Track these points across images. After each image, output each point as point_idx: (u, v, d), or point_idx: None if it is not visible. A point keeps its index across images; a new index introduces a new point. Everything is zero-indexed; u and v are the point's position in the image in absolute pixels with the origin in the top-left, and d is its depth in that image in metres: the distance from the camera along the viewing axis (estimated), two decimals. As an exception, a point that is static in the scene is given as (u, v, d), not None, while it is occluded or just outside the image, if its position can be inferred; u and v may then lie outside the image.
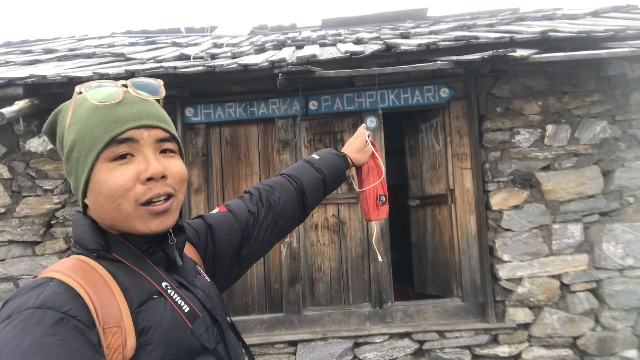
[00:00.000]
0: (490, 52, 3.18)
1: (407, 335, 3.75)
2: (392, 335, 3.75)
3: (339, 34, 5.30)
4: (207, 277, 1.01)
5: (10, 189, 3.83)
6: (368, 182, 1.52)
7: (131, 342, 0.74)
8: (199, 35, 6.56)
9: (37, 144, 3.87)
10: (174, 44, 5.58)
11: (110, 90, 0.84)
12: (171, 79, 3.50)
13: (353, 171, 1.56)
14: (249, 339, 3.67)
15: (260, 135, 4.05)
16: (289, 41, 4.91)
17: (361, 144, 1.51)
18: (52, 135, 0.91)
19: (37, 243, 3.77)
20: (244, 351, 1.01)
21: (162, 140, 0.85)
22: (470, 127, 3.89)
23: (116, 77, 3.39)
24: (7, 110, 3.04)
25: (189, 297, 0.87)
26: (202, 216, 1.17)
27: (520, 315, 3.70)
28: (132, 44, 5.83)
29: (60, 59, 4.84)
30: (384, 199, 1.52)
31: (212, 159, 4.04)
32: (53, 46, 5.81)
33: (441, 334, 3.74)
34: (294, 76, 3.33)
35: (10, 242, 3.76)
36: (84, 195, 0.83)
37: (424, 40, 3.85)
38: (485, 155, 3.82)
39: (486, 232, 3.79)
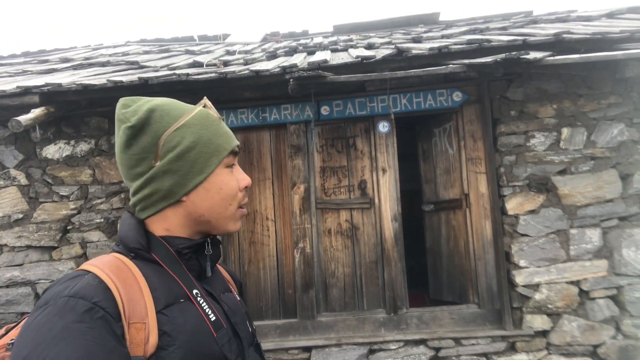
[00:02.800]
0: (503, 55, 3.15)
1: (422, 342, 3.69)
2: (407, 342, 3.70)
3: (351, 40, 5.31)
4: (237, 296, 1.06)
5: (28, 195, 3.89)
6: None
7: (153, 339, 0.77)
8: (212, 43, 6.63)
9: (53, 150, 3.93)
10: (187, 52, 5.64)
11: (203, 109, 0.97)
12: (184, 85, 3.54)
13: None
14: (263, 345, 3.65)
15: (273, 141, 4.06)
16: (300, 47, 4.93)
17: None
18: (139, 131, 0.90)
19: (54, 248, 3.81)
20: None
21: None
22: (484, 131, 3.85)
23: (130, 85, 3.44)
24: (24, 118, 3.10)
25: (215, 307, 0.91)
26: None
27: (538, 322, 3.63)
28: (146, 52, 5.91)
29: (75, 67, 4.93)
30: None
31: (225, 164, 4.05)
32: (69, 55, 5.91)
33: (457, 341, 3.68)
34: (305, 81, 3.34)
35: (28, 247, 3.82)
36: (187, 192, 0.91)
37: (435, 44, 3.84)
38: (500, 160, 3.78)
39: (502, 237, 3.74)
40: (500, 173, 3.76)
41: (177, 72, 3.72)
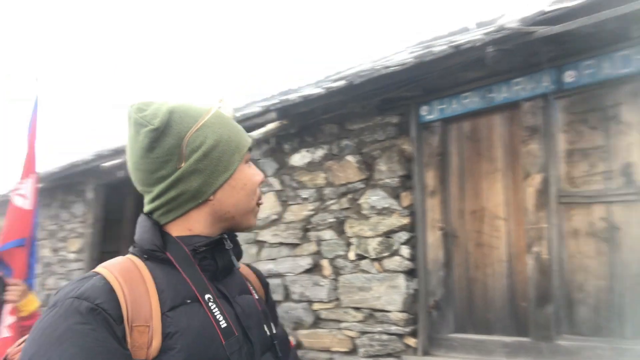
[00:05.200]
0: None
1: None
2: None
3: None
4: (256, 297, 1.02)
5: (280, 199, 4.49)
6: None
7: (156, 342, 0.77)
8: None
9: (298, 158, 4.42)
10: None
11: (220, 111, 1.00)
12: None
13: None
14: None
15: (503, 125, 3.41)
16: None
17: None
18: (162, 133, 0.91)
19: (297, 245, 4.25)
20: None
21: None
22: None
23: (340, 89, 3.53)
24: (256, 133, 3.60)
25: (227, 311, 0.88)
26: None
27: None
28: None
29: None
30: None
31: (448, 157, 3.65)
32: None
33: None
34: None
35: (280, 244, 4.38)
36: (214, 191, 0.93)
37: None
38: None
39: None
40: None
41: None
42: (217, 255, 0.92)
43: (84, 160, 5.98)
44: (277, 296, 4.21)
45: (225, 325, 0.84)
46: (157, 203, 0.92)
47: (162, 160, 0.90)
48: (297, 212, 4.31)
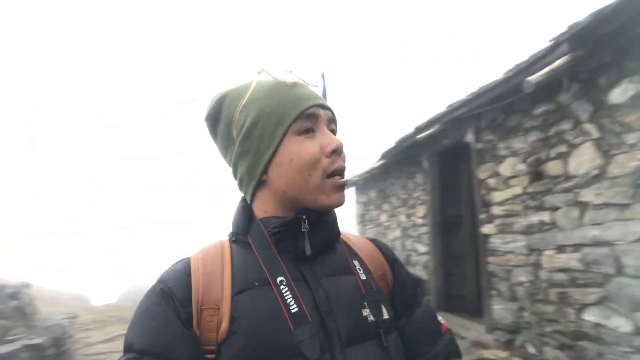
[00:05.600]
0: None
1: None
2: None
3: None
4: (362, 277, 0.90)
5: (601, 149, 3.57)
6: None
7: (225, 325, 0.76)
8: None
9: (618, 94, 3.40)
10: None
11: (284, 74, 0.90)
12: None
13: None
14: None
15: None
16: None
17: None
18: (215, 121, 0.94)
19: (627, 206, 3.28)
20: None
21: (332, 120, 0.91)
22: None
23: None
24: (533, 78, 2.98)
25: (304, 295, 0.81)
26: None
27: None
28: None
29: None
30: None
31: None
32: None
33: None
34: None
35: (606, 205, 3.50)
36: (264, 170, 0.87)
37: None
38: None
39: None
40: None
41: None
42: (300, 235, 0.86)
43: (408, 135, 6.66)
44: (607, 269, 3.42)
45: (296, 310, 0.78)
46: (238, 187, 0.94)
47: (224, 146, 0.92)
48: (624, 163, 3.32)
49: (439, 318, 1.00)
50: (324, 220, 0.89)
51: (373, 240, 1.05)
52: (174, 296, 0.78)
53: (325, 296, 0.82)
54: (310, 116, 0.86)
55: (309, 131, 0.86)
